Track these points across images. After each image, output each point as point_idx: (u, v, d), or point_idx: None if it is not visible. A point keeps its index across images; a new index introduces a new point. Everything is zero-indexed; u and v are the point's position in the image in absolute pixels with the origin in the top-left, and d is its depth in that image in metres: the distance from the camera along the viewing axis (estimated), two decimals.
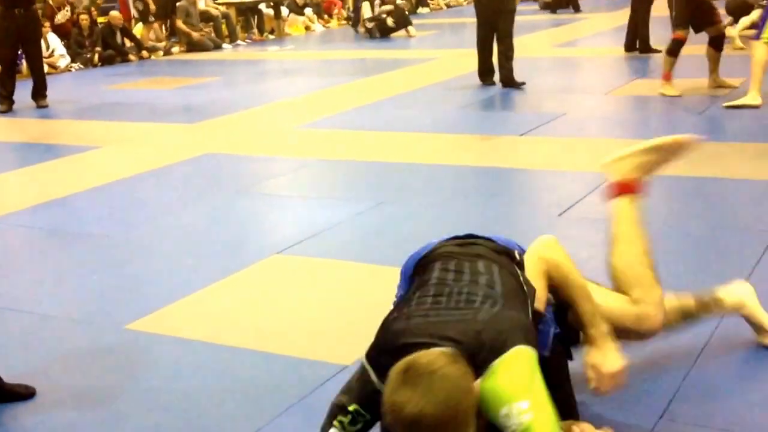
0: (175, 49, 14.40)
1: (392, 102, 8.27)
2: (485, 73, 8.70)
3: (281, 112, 8.22)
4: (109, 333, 3.36)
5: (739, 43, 9.82)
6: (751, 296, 2.89)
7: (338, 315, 3.40)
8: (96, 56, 13.01)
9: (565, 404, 2.21)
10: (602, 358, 2.33)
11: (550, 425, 1.92)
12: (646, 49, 10.17)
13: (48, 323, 3.49)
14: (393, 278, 2.51)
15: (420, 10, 19.98)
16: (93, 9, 13.37)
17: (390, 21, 14.66)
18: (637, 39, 10.26)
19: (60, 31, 12.85)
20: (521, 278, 2.30)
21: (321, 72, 11.13)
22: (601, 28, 13.83)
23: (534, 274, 2.33)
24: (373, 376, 2.05)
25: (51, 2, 12.93)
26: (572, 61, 10.86)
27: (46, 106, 9.21)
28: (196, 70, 11.91)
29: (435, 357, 1.87)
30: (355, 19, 16.18)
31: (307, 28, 16.85)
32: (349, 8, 18.65)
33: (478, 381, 1.93)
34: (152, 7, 14.26)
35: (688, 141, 2.80)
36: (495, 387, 1.93)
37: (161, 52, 14.06)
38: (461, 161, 5.79)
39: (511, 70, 8.45)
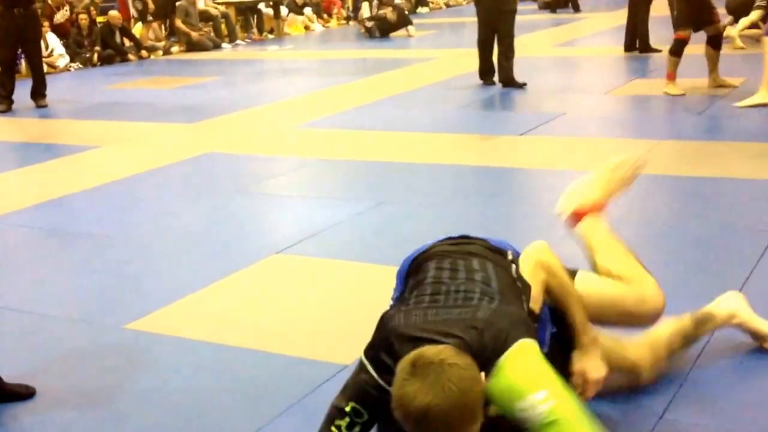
0: (175, 48, 14.40)
1: (392, 102, 8.26)
2: (486, 72, 8.71)
3: (281, 111, 8.22)
4: (108, 333, 3.36)
5: (739, 42, 9.82)
6: (742, 305, 2.85)
7: (338, 315, 3.40)
8: (95, 56, 13.01)
9: None
10: (589, 365, 2.36)
11: (572, 408, 1.93)
12: (646, 48, 10.17)
13: (48, 323, 3.49)
14: (393, 278, 2.51)
15: (419, 9, 19.99)
16: (92, 8, 13.36)
17: (390, 13, 14.64)
18: (636, 39, 10.26)
19: (59, 30, 12.83)
20: (515, 274, 2.31)
21: (320, 72, 11.12)
22: (601, 28, 13.83)
23: (531, 279, 2.35)
24: (372, 372, 2.05)
25: (50, 2, 12.91)
26: (572, 60, 10.86)
27: (45, 106, 9.21)
28: (196, 70, 11.90)
29: (441, 349, 1.89)
30: (355, 16, 16.18)
31: (307, 27, 16.84)
32: (348, 8, 18.66)
33: (486, 380, 1.93)
34: (151, 6, 14.25)
35: (637, 165, 2.81)
36: (506, 383, 1.93)
37: (160, 52, 14.05)
38: (461, 161, 5.79)
39: (510, 70, 8.45)
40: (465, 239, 2.48)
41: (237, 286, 3.80)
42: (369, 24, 14.82)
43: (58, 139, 7.55)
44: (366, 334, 2.18)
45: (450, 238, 2.50)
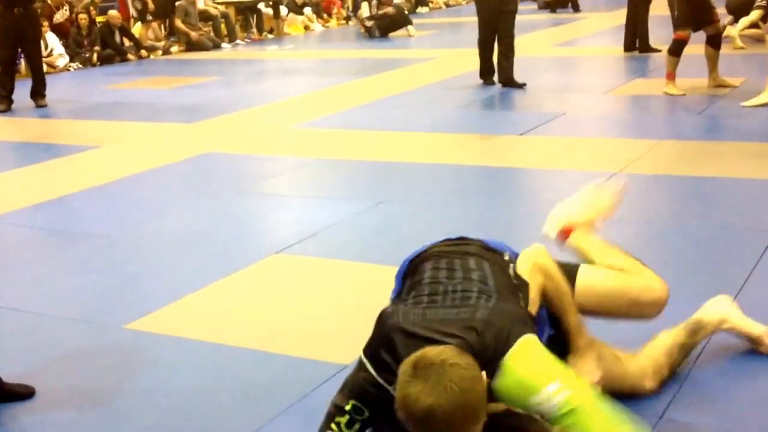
0: (174, 48, 14.39)
1: (392, 101, 8.26)
2: (486, 72, 8.71)
3: (280, 111, 8.22)
4: (108, 333, 3.36)
5: (739, 42, 9.82)
6: (731, 309, 2.81)
7: (338, 315, 3.40)
8: (95, 56, 13.00)
9: None
10: (584, 368, 2.36)
11: (587, 394, 1.94)
12: (646, 48, 10.17)
13: (48, 323, 3.49)
14: (392, 278, 2.51)
15: (419, 9, 19.99)
16: (92, 8, 13.36)
17: (391, 10, 14.65)
18: (636, 38, 10.26)
19: (59, 30, 12.83)
20: (512, 272, 2.32)
21: (320, 71, 11.12)
22: (601, 28, 13.82)
23: (528, 282, 2.35)
24: (371, 370, 2.06)
25: (50, 2, 12.91)
26: (572, 60, 10.86)
27: (45, 106, 9.20)
28: (195, 70, 11.90)
29: (442, 350, 1.90)
30: (354, 14, 16.19)
31: (306, 27, 16.84)
32: (348, 8, 18.66)
33: (492, 379, 1.94)
34: (151, 6, 14.24)
35: (618, 193, 2.81)
36: (516, 380, 1.94)
37: (160, 52, 14.05)
38: (461, 161, 5.79)
39: (510, 70, 8.44)
40: (463, 240, 2.49)
41: (237, 286, 3.79)
42: (369, 23, 14.82)
43: (58, 139, 7.55)
44: (366, 334, 2.18)
45: (448, 240, 2.51)
